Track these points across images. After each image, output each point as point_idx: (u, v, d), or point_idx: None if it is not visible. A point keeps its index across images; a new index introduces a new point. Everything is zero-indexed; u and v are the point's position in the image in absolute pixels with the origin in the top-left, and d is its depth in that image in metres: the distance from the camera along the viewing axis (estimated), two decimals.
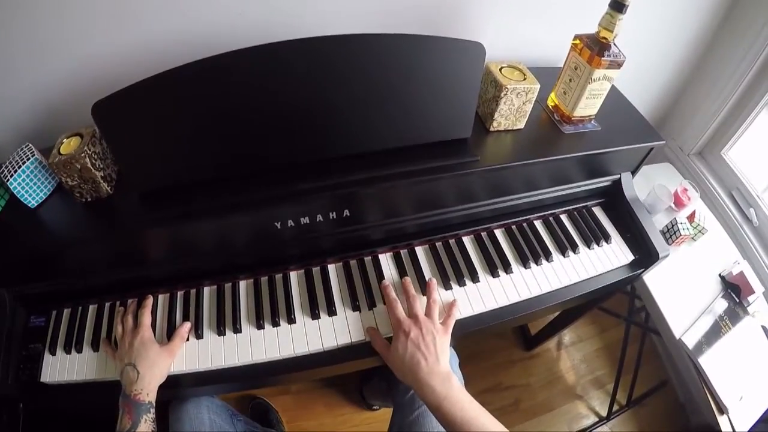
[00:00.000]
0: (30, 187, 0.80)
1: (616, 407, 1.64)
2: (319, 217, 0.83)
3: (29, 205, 0.81)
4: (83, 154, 0.74)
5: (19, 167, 0.78)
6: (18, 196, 0.79)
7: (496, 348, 1.74)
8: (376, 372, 1.44)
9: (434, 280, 0.88)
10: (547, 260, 0.96)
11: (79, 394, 0.80)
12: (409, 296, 0.83)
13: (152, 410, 0.72)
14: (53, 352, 0.82)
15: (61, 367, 0.81)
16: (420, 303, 0.82)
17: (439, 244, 0.95)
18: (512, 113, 0.91)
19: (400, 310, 0.81)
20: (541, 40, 1.16)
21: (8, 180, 0.77)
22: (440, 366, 0.74)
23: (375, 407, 1.55)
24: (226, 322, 0.84)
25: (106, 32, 0.85)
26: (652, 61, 1.40)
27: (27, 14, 0.78)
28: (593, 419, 1.66)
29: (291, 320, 0.84)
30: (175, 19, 0.87)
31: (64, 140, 0.78)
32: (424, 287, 0.88)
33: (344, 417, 1.55)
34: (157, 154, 0.75)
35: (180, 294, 0.88)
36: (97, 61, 0.88)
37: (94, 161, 0.77)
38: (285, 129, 0.76)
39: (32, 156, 0.80)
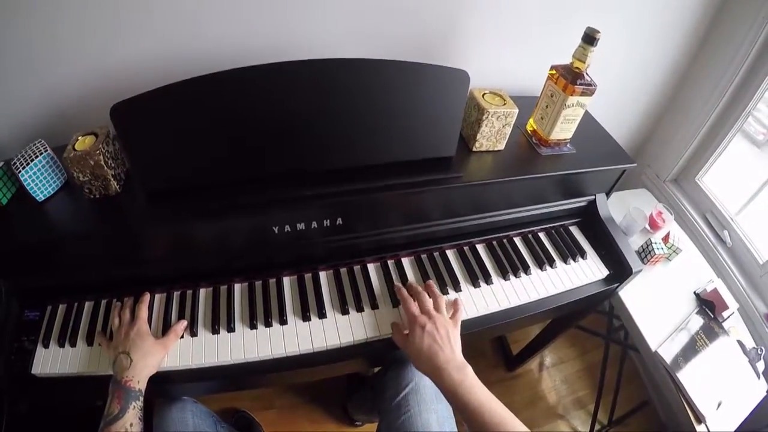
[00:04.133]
0: (40, 181, 0.83)
1: (597, 427, 1.66)
2: (314, 224, 0.89)
3: (37, 198, 0.83)
4: (98, 152, 0.78)
5: (32, 161, 0.81)
6: (27, 188, 0.81)
7: (478, 368, 1.66)
8: (362, 383, 1.47)
9: (432, 281, 0.94)
10: (526, 273, 1.03)
11: (69, 388, 0.82)
12: (419, 294, 0.89)
13: (141, 399, 0.74)
14: (46, 345, 0.84)
15: (53, 360, 0.82)
16: (429, 301, 0.88)
17: (424, 256, 1.02)
18: (493, 135, 0.98)
19: (415, 307, 0.86)
20: (521, 71, 1.26)
21: (20, 172, 0.79)
22: (456, 355, 0.80)
23: (358, 423, 1.56)
24: (220, 321, 0.87)
25: (121, 43, 0.91)
26: (629, 92, 1.50)
27: (48, 19, 0.84)
28: None
29: (283, 321, 0.88)
30: (187, 34, 0.93)
31: (79, 138, 0.82)
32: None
33: None
34: (167, 156, 0.79)
35: (176, 294, 0.91)
36: (111, 69, 0.93)
37: (107, 159, 0.81)
38: (286, 140, 0.82)
39: (45, 151, 0.83)
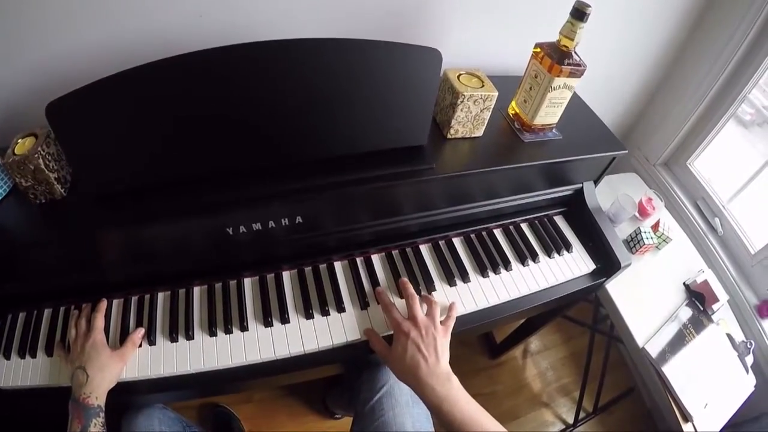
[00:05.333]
0: None
1: (582, 414, 1.64)
2: (272, 224, 0.82)
3: None
4: (36, 155, 0.73)
5: None
6: None
7: (461, 356, 1.73)
8: (340, 381, 1.42)
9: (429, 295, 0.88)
10: (506, 269, 0.96)
11: (34, 401, 0.79)
12: (409, 297, 0.83)
13: (101, 414, 0.71)
14: (8, 357, 0.80)
15: (15, 372, 0.79)
16: (419, 304, 0.82)
17: (395, 253, 0.94)
18: (470, 121, 0.90)
19: (397, 313, 0.81)
20: (504, 49, 1.16)
21: None
22: (440, 367, 0.75)
23: (337, 416, 1.53)
24: (179, 328, 0.82)
25: (64, 33, 0.83)
26: (619, 71, 1.42)
27: None
28: (560, 426, 1.67)
29: (243, 327, 0.83)
30: (134, 19, 0.85)
31: (19, 140, 0.76)
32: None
33: (307, 425, 1.52)
34: (110, 156, 0.72)
35: (134, 299, 0.86)
36: (56, 61, 0.85)
37: (47, 162, 0.75)
38: (240, 133, 0.74)
39: None
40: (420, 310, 0.81)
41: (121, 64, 0.65)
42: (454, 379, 0.74)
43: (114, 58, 0.84)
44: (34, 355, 0.80)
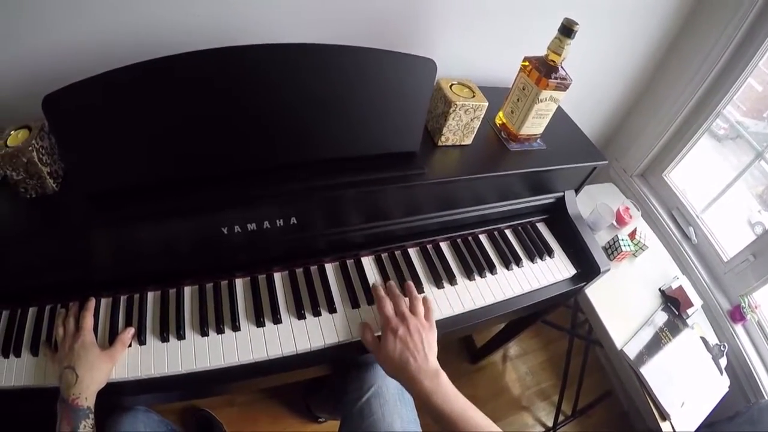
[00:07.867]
0: None
1: (561, 418, 1.67)
2: (266, 224, 0.82)
3: None
4: (30, 148, 0.71)
5: None
6: None
7: (441, 361, 1.67)
8: (324, 384, 1.42)
9: (411, 282, 0.90)
10: (491, 273, 0.99)
11: (19, 401, 0.77)
12: (395, 296, 0.85)
13: (91, 416, 0.70)
14: None
15: None
16: (404, 302, 0.85)
17: (385, 255, 0.96)
18: (460, 129, 0.93)
19: (389, 308, 0.83)
20: (491, 61, 1.20)
21: None
22: (429, 363, 0.77)
23: (321, 419, 1.52)
24: (169, 328, 0.81)
25: (57, 26, 0.81)
26: (599, 85, 1.47)
27: None
28: (539, 430, 1.70)
29: (235, 327, 0.82)
30: (129, 15, 0.84)
31: (12, 132, 0.74)
32: (370, 297, 0.89)
33: (290, 430, 1.52)
34: (105, 153, 0.71)
35: (123, 299, 0.84)
36: (48, 54, 0.84)
37: (41, 156, 0.73)
38: (236, 135, 0.75)
39: None
40: (406, 308, 0.83)
41: (115, 61, 0.65)
42: (443, 375, 0.76)
43: (109, 53, 0.83)
44: (18, 355, 0.78)
